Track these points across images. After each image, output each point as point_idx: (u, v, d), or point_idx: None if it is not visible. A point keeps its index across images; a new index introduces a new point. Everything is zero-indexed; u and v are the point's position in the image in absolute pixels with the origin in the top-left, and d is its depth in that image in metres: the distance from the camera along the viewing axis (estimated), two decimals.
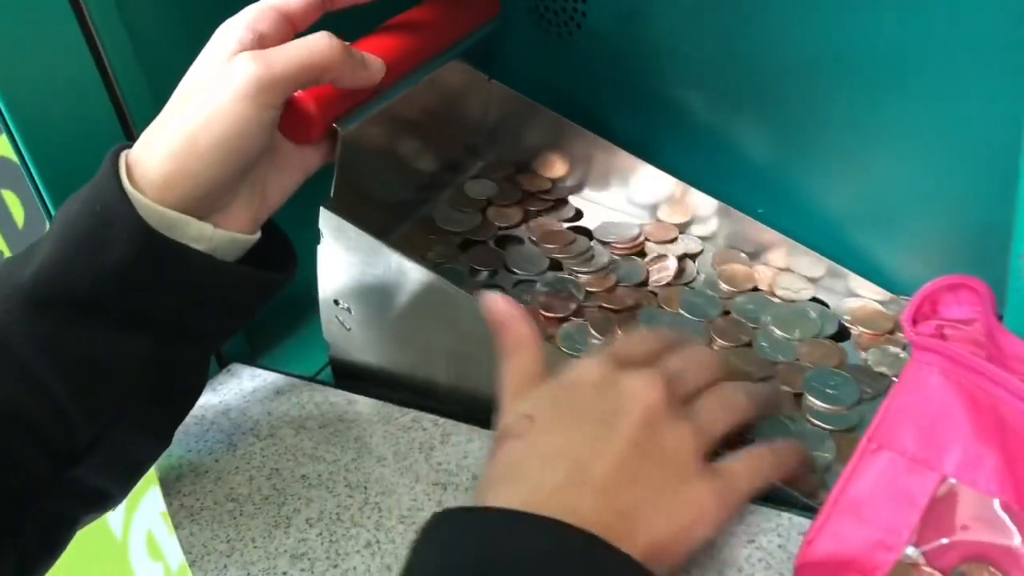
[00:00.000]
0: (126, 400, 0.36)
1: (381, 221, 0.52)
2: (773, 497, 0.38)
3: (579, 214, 0.58)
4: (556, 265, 0.54)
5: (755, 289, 0.52)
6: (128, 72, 0.45)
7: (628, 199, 0.57)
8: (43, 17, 0.41)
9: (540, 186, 0.59)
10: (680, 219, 0.56)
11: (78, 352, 0.35)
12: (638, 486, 0.33)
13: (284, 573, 0.40)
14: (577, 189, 0.59)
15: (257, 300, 0.40)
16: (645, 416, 0.34)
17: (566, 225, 0.57)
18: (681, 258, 0.54)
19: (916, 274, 0.46)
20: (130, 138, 0.44)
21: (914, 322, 0.34)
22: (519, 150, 0.59)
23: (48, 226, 0.38)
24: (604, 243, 0.55)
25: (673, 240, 0.55)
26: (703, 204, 0.55)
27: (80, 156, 0.40)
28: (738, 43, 0.51)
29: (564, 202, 0.59)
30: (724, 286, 0.52)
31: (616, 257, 0.54)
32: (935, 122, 0.45)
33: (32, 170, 0.42)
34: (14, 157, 0.42)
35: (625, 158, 0.56)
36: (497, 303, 0.40)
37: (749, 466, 0.36)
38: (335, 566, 0.40)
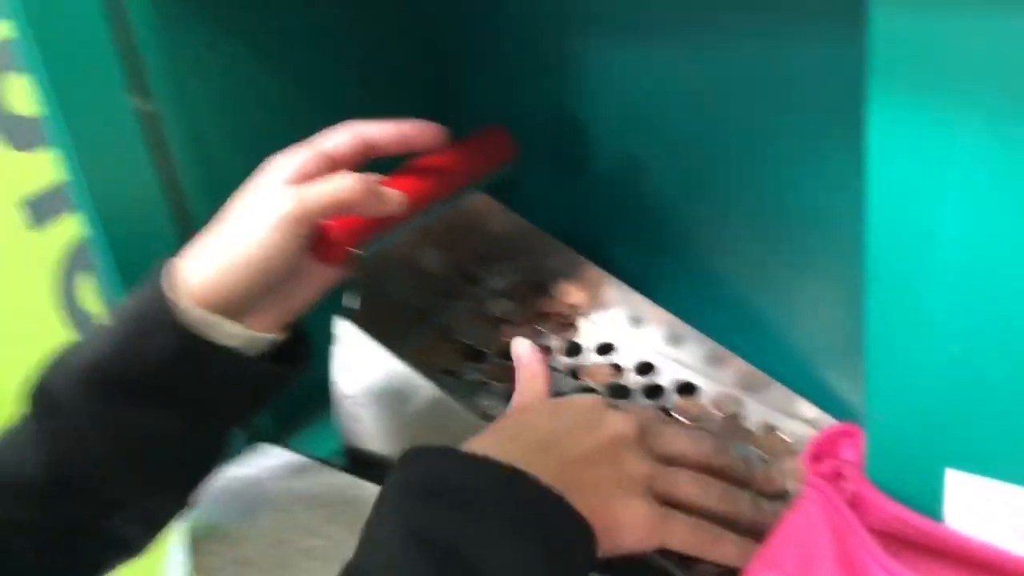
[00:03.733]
0: (157, 465, 0.44)
1: (396, 326, 0.60)
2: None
3: (607, 348, 0.63)
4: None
5: None
6: (193, 183, 0.54)
7: (629, 328, 0.63)
8: (127, 158, 0.51)
9: (552, 308, 0.66)
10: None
11: (121, 424, 0.43)
12: (590, 476, 0.40)
13: None
14: (585, 314, 0.65)
15: (273, 390, 0.48)
16: (615, 439, 0.43)
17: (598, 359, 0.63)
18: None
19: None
20: (187, 230, 0.54)
21: (815, 459, 0.39)
22: (534, 273, 0.67)
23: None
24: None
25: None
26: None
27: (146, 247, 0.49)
28: (729, 197, 0.57)
29: (573, 326, 0.65)
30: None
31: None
32: None
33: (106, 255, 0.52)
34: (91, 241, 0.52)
35: (628, 293, 0.62)
36: (522, 345, 0.50)
37: (693, 529, 0.42)
38: None
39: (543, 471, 0.38)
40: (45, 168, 1.24)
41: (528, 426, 0.44)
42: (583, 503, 0.38)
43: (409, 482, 0.39)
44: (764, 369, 0.58)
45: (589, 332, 0.64)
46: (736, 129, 0.55)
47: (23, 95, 1.18)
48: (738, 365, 0.58)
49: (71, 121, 0.49)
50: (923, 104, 0.26)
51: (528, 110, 0.65)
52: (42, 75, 0.48)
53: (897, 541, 0.34)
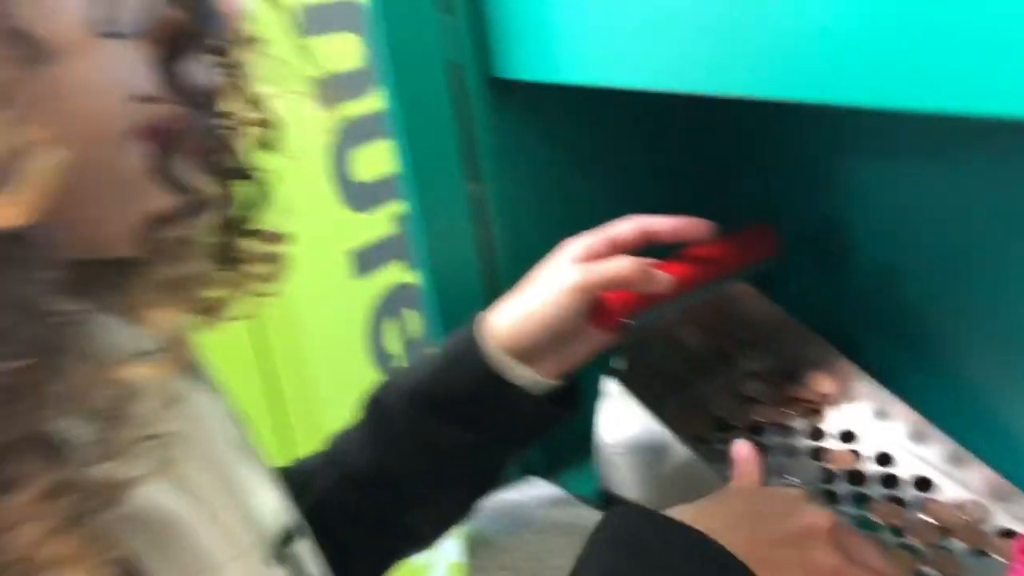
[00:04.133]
0: (452, 474, 0.56)
1: (655, 391, 0.68)
2: None
3: (849, 436, 0.68)
4: (827, 478, 0.65)
5: None
6: (504, 259, 0.67)
7: (873, 420, 0.67)
8: (458, 227, 0.64)
9: (802, 394, 0.71)
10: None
11: (431, 435, 0.55)
12: (778, 556, 0.45)
13: None
14: (832, 403, 0.70)
15: (548, 426, 0.58)
16: (809, 528, 0.47)
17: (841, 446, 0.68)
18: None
19: None
20: (493, 292, 0.66)
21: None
22: (788, 360, 0.73)
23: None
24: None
25: None
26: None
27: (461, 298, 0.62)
28: (979, 304, 0.61)
29: (819, 413, 0.70)
30: None
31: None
32: None
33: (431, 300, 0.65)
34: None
35: (875, 387, 0.66)
36: (743, 445, 0.57)
37: None
38: None
39: (733, 543, 0.44)
40: (374, 226, 1.46)
41: (729, 504, 0.50)
42: None
43: (612, 536, 0.46)
44: (1008, 477, 0.59)
45: (834, 420, 0.68)
46: (987, 241, 0.58)
47: (364, 165, 1.42)
48: (981, 470, 0.60)
49: (423, 195, 0.63)
50: None
51: (795, 212, 0.71)
52: (405, 157, 0.63)
53: None
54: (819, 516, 0.48)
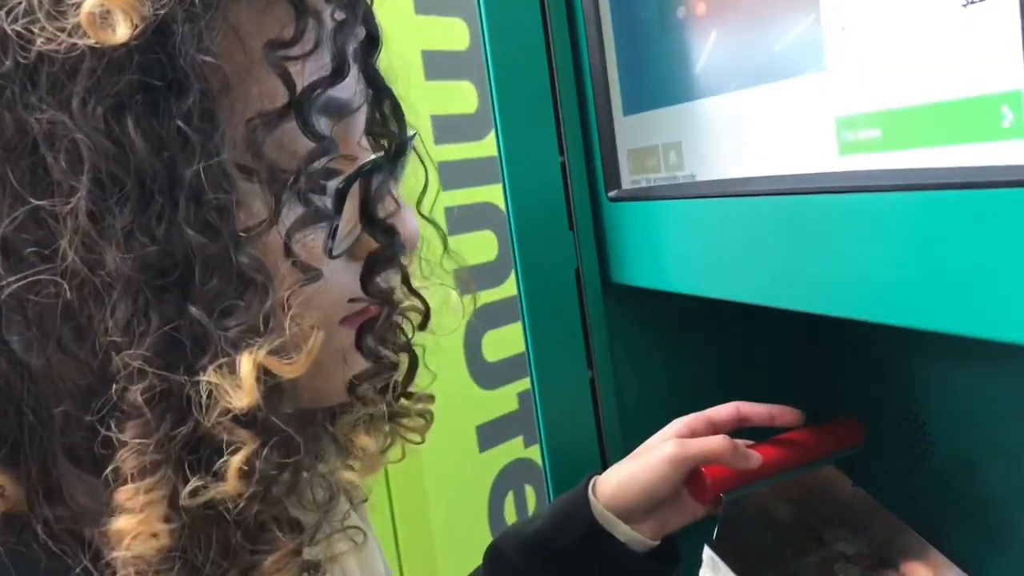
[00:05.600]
0: None
1: (749, 564, 0.74)
2: None
3: None
4: None
5: None
6: (614, 436, 0.77)
7: None
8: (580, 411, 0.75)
9: None
10: None
11: None
12: None
13: None
14: None
15: None
16: None
17: None
18: None
19: None
20: (604, 466, 0.75)
21: None
22: (878, 547, 0.78)
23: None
24: None
25: None
26: None
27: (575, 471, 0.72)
28: None
29: None
30: None
31: None
32: None
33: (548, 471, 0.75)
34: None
35: (949, 567, 0.70)
36: None
37: None
38: None
39: None
40: (501, 402, 1.58)
41: None
42: None
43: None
44: None
45: None
46: None
47: (495, 346, 1.55)
48: None
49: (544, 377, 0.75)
50: None
51: (879, 405, 0.79)
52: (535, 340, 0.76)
53: None
54: None
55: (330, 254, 0.42)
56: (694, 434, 0.66)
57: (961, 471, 0.74)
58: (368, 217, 0.43)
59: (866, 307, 0.53)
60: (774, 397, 0.69)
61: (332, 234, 0.42)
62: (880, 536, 0.77)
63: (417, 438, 0.56)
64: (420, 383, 0.55)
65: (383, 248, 0.44)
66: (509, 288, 1.44)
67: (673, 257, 0.69)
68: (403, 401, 0.54)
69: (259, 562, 0.38)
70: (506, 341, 1.54)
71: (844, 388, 0.84)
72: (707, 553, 0.70)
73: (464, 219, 1.47)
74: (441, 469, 1.48)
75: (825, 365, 0.86)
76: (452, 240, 0.57)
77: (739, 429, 0.68)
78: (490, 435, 1.59)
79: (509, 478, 1.60)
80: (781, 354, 0.86)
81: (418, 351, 0.54)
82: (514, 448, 1.63)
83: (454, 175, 1.44)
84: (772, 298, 0.60)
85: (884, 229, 0.50)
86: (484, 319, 1.53)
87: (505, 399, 1.61)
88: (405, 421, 0.55)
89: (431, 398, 0.57)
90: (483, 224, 1.50)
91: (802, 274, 0.57)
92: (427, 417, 0.56)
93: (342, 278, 0.44)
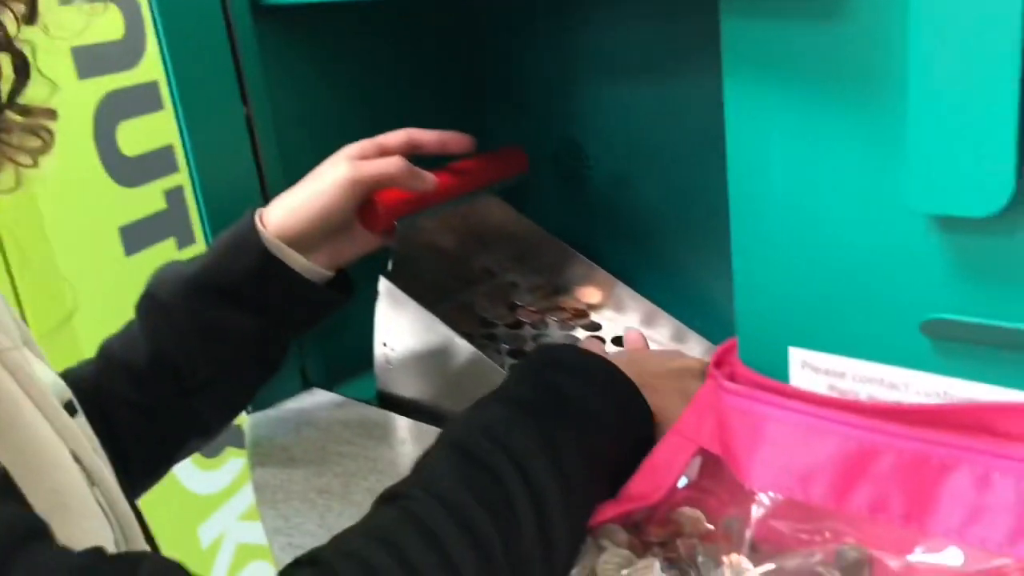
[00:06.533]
0: (234, 358, 0.60)
1: (425, 297, 0.75)
2: None
3: (595, 326, 0.78)
4: None
5: None
6: (276, 177, 0.71)
7: (613, 313, 0.78)
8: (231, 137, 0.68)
9: (565, 304, 0.80)
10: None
11: (211, 321, 0.59)
12: (660, 384, 0.53)
13: (312, 500, 0.61)
14: (597, 310, 0.79)
15: (325, 310, 0.64)
16: (685, 368, 0.57)
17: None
18: None
19: None
20: (266, 201, 0.70)
21: (717, 366, 0.52)
22: (548, 273, 0.81)
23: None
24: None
25: None
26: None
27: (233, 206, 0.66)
28: (694, 204, 0.72)
29: (585, 315, 0.79)
30: None
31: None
32: None
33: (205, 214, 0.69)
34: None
35: (613, 283, 0.77)
36: (633, 332, 0.70)
37: None
38: (345, 499, 0.60)
39: (628, 374, 0.52)
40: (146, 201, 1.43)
41: (624, 355, 0.60)
42: (652, 400, 0.51)
43: (534, 358, 0.53)
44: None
45: (589, 317, 0.79)
46: (697, 148, 0.70)
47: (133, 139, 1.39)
48: (700, 343, 0.72)
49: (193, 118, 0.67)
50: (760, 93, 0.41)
51: (539, 133, 0.81)
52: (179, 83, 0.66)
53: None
54: (692, 360, 0.58)
55: None
56: (365, 157, 0.63)
57: (616, 190, 0.79)
58: None
59: None
60: (439, 127, 0.68)
61: None
62: (548, 263, 0.81)
63: (28, 160, 0.47)
64: (35, 95, 0.46)
65: None
66: (144, 73, 1.28)
67: None
68: (10, 114, 0.45)
69: None
70: (146, 133, 1.38)
71: (506, 120, 0.85)
72: (383, 284, 0.69)
73: None
74: (87, 278, 1.33)
75: (489, 99, 0.86)
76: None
77: (408, 158, 0.66)
78: (137, 237, 1.45)
79: None
80: (446, 88, 0.84)
81: (27, 51, 0.45)
82: (166, 250, 1.51)
83: None
84: None
85: None
86: (116, 108, 1.36)
87: (150, 197, 1.46)
88: (14, 139, 0.45)
89: (51, 114, 0.47)
90: None
91: None
92: (44, 136, 0.47)
93: None
